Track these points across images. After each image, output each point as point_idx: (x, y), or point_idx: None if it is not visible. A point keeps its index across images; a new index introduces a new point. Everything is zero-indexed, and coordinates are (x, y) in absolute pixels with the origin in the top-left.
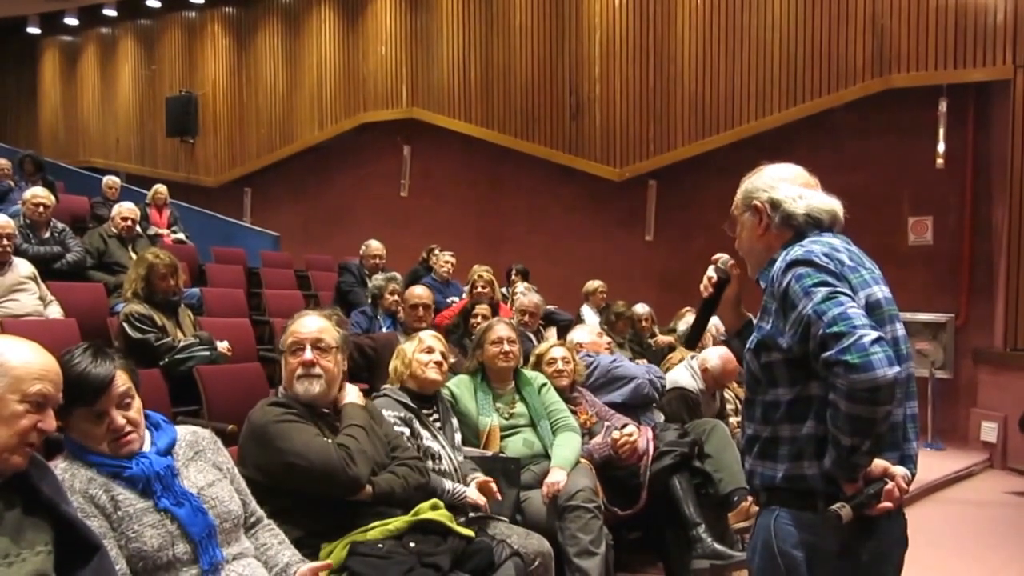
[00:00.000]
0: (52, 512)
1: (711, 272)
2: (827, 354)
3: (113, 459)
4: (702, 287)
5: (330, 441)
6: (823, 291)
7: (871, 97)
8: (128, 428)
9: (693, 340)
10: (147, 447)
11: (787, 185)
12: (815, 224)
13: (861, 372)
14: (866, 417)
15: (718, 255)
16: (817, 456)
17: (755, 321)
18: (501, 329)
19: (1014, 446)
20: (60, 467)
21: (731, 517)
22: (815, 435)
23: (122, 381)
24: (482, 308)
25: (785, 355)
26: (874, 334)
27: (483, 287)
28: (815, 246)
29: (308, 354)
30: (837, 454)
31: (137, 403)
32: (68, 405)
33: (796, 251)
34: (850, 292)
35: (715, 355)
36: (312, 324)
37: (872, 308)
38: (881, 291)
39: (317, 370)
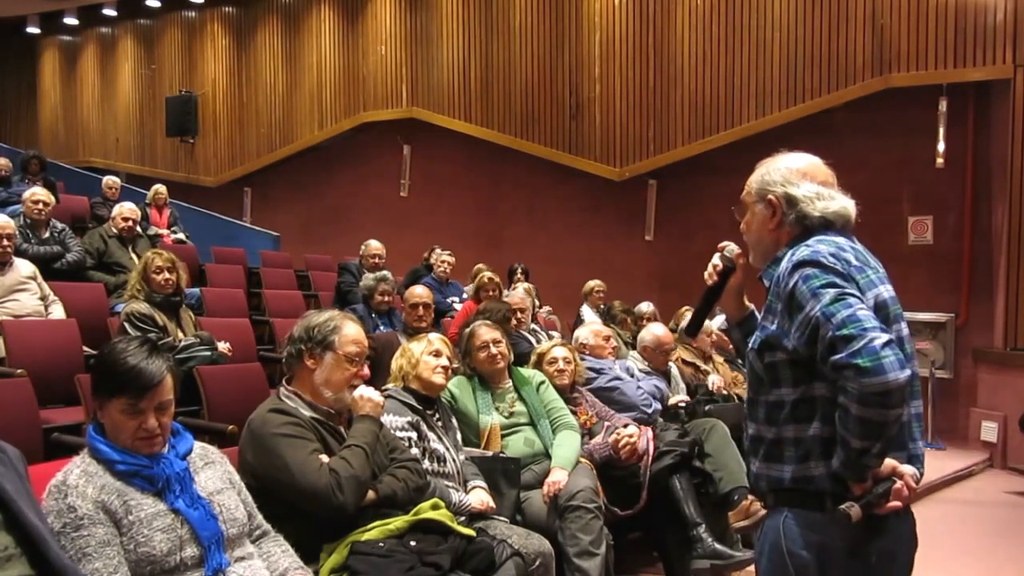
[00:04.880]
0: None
1: (716, 260)
2: (836, 357)
3: (135, 456)
4: (706, 275)
5: (325, 461)
6: (831, 292)
7: (871, 97)
8: (157, 432)
9: (694, 328)
10: (165, 449)
11: (806, 183)
12: (826, 226)
13: (873, 376)
14: (877, 421)
15: (724, 243)
16: (824, 457)
17: (757, 313)
18: (483, 333)
19: (1014, 446)
20: (76, 471)
21: (731, 516)
22: (821, 436)
23: (168, 387)
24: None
25: (790, 355)
26: (885, 337)
27: (493, 291)
28: (821, 246)
29: (366, 369)
30: (846, 456)
31: (172, 410)
32: (110, 393)
33: (802, 251)
34: (858, 293)
35: (648, 333)
36: (363, 336)
37: (878, 308)
38: (887, 291)
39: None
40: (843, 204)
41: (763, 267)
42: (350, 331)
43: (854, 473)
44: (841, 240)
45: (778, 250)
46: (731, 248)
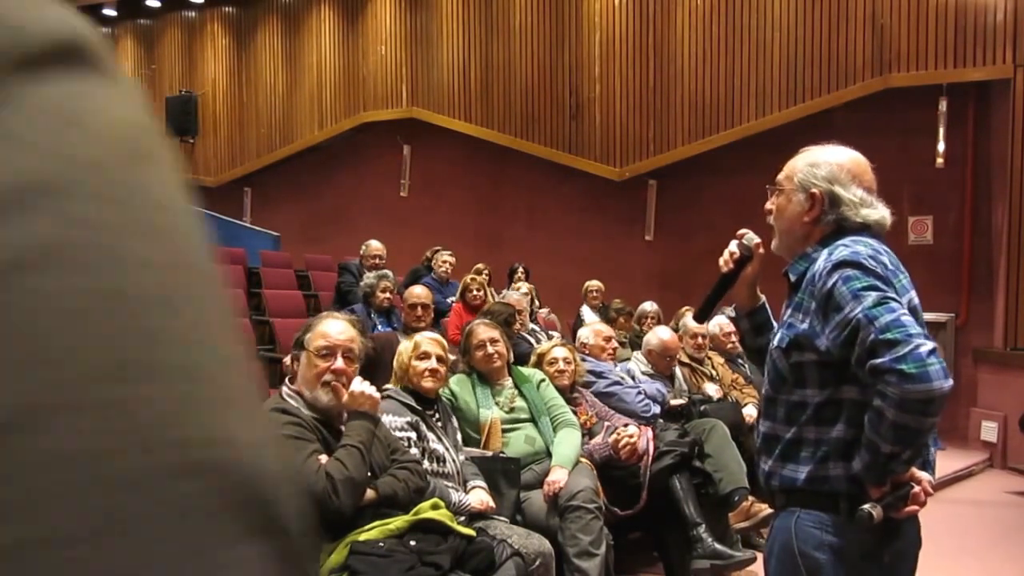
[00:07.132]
0: None
1: (733, 247)
2: (878, 361)
3: None
4: (722, 261)
5: (323, 462)
6: (874, 295)
7: (871, 97)
8: None
9: (704, 314)
10: None
11: (854, 186)
12: (862, 231)
13: (917, 383)
14: (914, 427)
15: (743, 231)
16: (843, 459)
17: (767, 306)
18: (481, 332)
19: (1014, 446)
20: None
21: (731, 517)
22: (844, 439)
23: None
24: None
25: (820, 356)
26: (930, 344)
27: (477, 290)
28: (860, 247)
29: (340, 362)
30: (872, 460)
31: None
32: None
33: (841, 251)
34: (898, 297)
35: (655, 337)
36: (343, 330)
37: (911, 314)
38: (915, 297)
39: (344, 379)
40: (883, 214)
41: (788, 258)
42: (320, 327)
43: (876, 477)
44: (876, 243)
45: (807, 244)
46: (750, 236)
